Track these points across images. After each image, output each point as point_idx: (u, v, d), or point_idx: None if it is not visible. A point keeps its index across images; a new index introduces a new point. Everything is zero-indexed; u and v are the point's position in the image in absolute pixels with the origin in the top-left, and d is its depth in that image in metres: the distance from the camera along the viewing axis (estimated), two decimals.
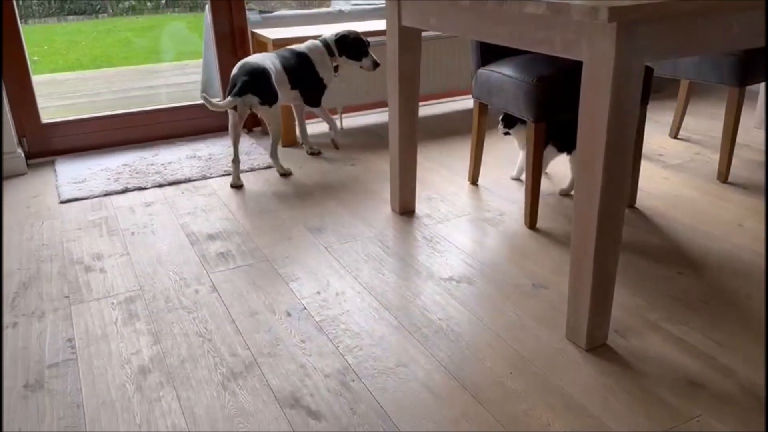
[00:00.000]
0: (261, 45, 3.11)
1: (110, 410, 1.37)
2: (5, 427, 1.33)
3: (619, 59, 1.26)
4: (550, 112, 1.97)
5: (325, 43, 2.78)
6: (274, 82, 2.55)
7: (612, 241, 1.43)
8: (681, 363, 1.47)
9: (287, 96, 2.73)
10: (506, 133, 2.33)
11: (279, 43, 2.91)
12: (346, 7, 3.86)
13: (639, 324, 1.61)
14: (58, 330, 1.66)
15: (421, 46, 2.07)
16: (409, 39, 2.03)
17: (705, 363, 1.46)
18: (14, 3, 2.73)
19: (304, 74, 2.73)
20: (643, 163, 2.70)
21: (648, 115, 3.35)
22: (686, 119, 3.25)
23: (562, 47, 1.38)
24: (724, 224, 2.13)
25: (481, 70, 2.24)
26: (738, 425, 1.27)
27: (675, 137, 2.98)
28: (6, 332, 1.66)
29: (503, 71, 2.11)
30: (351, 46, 2.77)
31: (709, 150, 2.82)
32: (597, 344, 1.53)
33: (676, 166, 2.66)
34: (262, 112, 2.54)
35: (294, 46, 2.78)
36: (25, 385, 1.46)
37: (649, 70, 2.10)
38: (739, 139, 2.95)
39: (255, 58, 2.58)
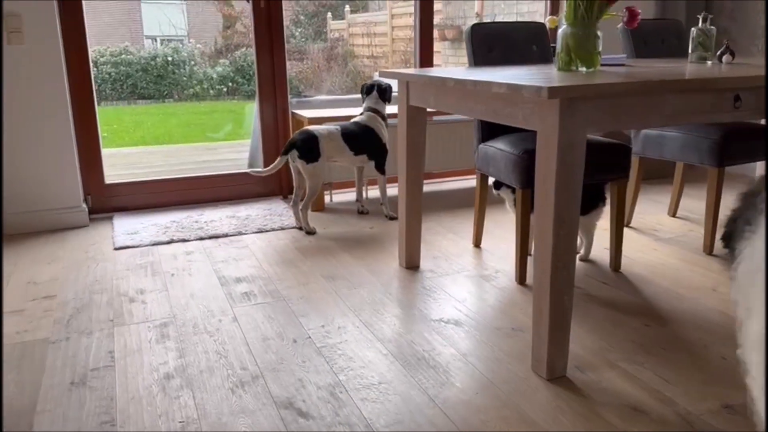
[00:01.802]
0: (299, 123, 3.54)
1: (137, 404, 1.65)
2: (53, 412, 1.62)
3: (563, 129, 1.56)
4: (534, 180, 2.26)
5: (376, 111, 3.21)
6: (321, 145, 2.98)
7: (565, 282, 1.68)
8: (629, 394, 1.66)
9: (350, 160, 3.18)
10: (497, 194, 2.57)
11: (313, 121, 3.33)
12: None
13: (599, 362, 1.82)
14: (102, 344, 1.97)
15: (426, 123, 2.42)
16: (415, 116, 2.38)
17: (650, 395, 1.65)
18: (93, 87, 3.24)
19: (369, 142, 3.16)
20: (636, 236, 2.92)
21: (651, 195, 3.59)
22: (687, 200, 3.47)
23: (523, 120, 1.69)
24: (699, 288, 2.33)
25: (481, 146, 2.56)
26: None
27: (673, 215, 3.20)
28: (60, 344, 1.98)
29: (497, 146, 2.43)
30: (388, 91, 3.28)
31: (703, 227, 3.03)
32: (557, 375, 1.74)
33: (667, 239, 2.87)
34: (301, 166, 2.95)
35: (357, 119, 3.22)
36: (71, 382, 1.75)
37: (626, 149, 2.38)
38: None
39: (312, 126, 3.07)
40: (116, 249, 2.84)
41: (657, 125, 1.70)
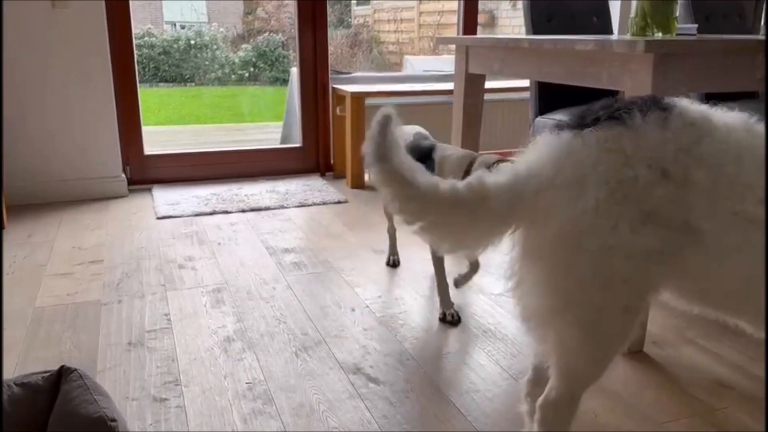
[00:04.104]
0: (340, 98, 3.47)
1: (200, 365, 1.59)
2: (114, 370, 1.57)
3: (656, 87, 1.48)
4: None
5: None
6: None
7: None
8: (712, 369, 1.59)
9: None
10: None
11: (356, 96, 3.26)
12: (415, 72, 4.24)
13: (675, 339, 1.74)
14: (156, 307, 1.92)
15: (483, 93, 2.34)
16: (473, 85, 2.31)
17: (735, 371, 1.57)
18: (135, 56, 3.19)
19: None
20: None
21: None
22: None
23: (609, 80, 1.61)
24: None
25: (539, 119, 2.49)
26: (762, 417, 1.38)
27: None
28: (112, 306, 1.93)
29: (558, 118, 2.35)
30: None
31: None
32: (634, 350, 1.67)
33: None
34: None
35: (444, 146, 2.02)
36: (128, 342, 1.70)
37: None
38: None
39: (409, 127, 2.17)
40: (159, 218, 2.79)
41: (746, 89, 1.62)
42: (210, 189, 3.25)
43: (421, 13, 8.51)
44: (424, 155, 1.90)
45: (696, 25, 2.24)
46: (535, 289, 1.00)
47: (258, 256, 2.34)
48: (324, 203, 3.05)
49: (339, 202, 3.07)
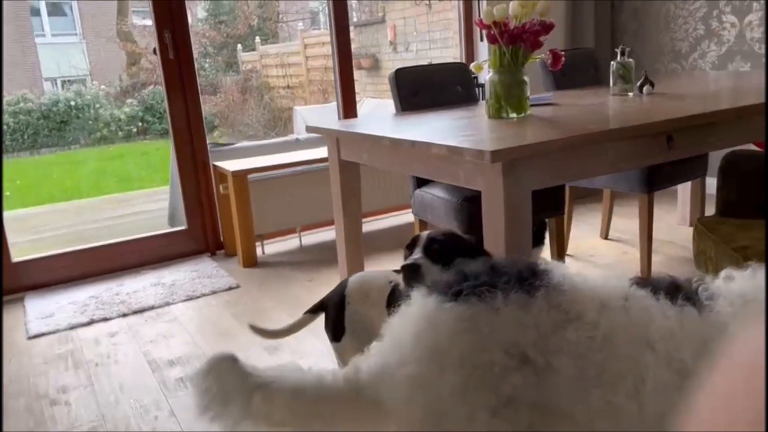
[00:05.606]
0: (222, 177, 3.36)
1: None
2: None
3: (507, 190, 1.50)
4: (475, 227, 2.21)
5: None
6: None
7: None
8: None
9: None
10: None
11: (238, 175, 3.16)
12: (302, 136, 4.19)
13: None
14: None
15: (359, 175, 2.32)
16: (348, 170, 2.29)
17: None
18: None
19: None
20: (575, 263, 2.93)
21: (581, 217, 3.64)
22: (616, 220, 3.53)
23: (465, 180, 1.62)
24: None
25: (418, 191, 2.50)
26: None
27: (605, 238, 3.25)
28: None
29: (435, 193, 2.37)
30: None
31: (636, 249, 3.07)
32: None
33: (605, 265, 2.90)
34: None
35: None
36: None
37: (560, 186, 2.37)
38: (663, 236, 3.22)
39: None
40: (30, 338, 2.57)
41: (600, 174, 1.68)
42: (88, 290, 3.04)
43: (308, 58, 8.52)
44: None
45: (551, 94, 2.33)
46: None
47: (139, 376, 2.19)
48: (213, 292, 2.93)
49: (230, 289, 2.96)
